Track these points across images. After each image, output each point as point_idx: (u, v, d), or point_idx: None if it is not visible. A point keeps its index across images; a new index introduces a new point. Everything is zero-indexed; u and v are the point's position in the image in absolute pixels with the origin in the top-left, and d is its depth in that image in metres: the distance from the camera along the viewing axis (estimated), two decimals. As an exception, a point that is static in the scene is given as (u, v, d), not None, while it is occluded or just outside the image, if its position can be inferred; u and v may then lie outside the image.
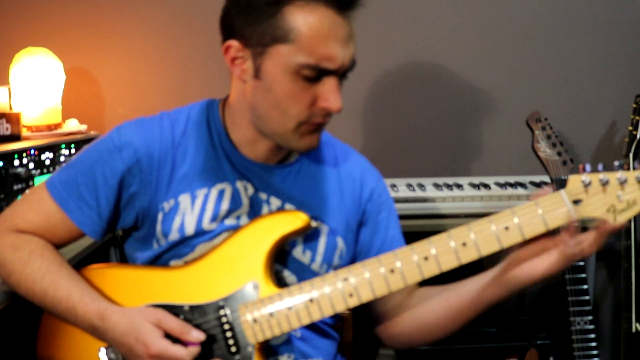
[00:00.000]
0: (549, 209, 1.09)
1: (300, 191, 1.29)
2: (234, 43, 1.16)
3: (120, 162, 1.22)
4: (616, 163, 1.10)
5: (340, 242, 1.30)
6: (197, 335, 1.13)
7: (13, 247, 1.22)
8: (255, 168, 1.27)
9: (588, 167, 1.10)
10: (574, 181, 1.10)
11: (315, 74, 1.12)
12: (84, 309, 1.16)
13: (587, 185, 1.09)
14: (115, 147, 1.22)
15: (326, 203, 1.30)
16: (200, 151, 1.25)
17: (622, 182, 1.08)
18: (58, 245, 1.28)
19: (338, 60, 1.11)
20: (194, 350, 1.12)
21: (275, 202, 1.27)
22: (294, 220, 1.20)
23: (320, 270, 1.28)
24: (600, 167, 1.10)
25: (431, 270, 1.13)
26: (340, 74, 1.14)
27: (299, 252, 1.27)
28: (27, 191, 1.40)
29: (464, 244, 1.11)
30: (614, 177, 1.08)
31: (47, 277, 1.19)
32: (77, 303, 1.17)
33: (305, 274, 1.26)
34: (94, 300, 1.18)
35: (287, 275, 1.26)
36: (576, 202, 1.10)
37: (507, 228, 1.11)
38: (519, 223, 1.10)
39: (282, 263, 1.26)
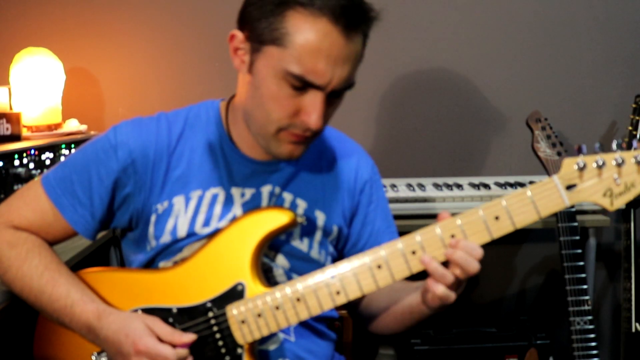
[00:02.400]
0: (541, 196, 1.05)
1: (299, 182, 1.29)
2: (237, 34, 1.16)
3: (116, 162, 1.22)
4: (615, 142, 1.05)
5: (335, 230, 1.31)
6: (186, 337, 1.13)
7: (10, 244, 1.22)
8: (258, 167, 1.26)
9: (584, 148, 1.06)
10: (568, 165, 1.05)
11: (300, 84, 1.10)
12: (82, 308, 1.17)
13: (581, 168, 1.04)
14: (112, 146, 1.22)
15: (323, 192, 1.31)
16: (196, 154, 1.25)
17: (619, 164, 1.03)
18: (53, 242, 1.28)
19: (325, 77, 1.09)
20: (182, 351, 1.12)
21: (277, 192, 1.27)
22: (280, 216, 1.18)
23: (319, 258, 1.29)
24: (597, 147, 1.05)
25: (419, 265, 1.10)
26: (328, 91, 1.12)
27: (297, 240, 1.27)
28: (23, 186, 1.40)
29: (452, 236, 1.08)
30: (611, 158, 1.03)
31: (46, 275, 1.19)
32: (76, 301, 1.17)
33: (304, 262, 1.27)
34: (93, 300, 1.19)
35: (283, 262, 1.26)
36: (571, 187, 1.06)
37: (497, 217, 1.07)
38: (510, 212, 1.06)
39: (280, 251, 1.26)
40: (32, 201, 1.25)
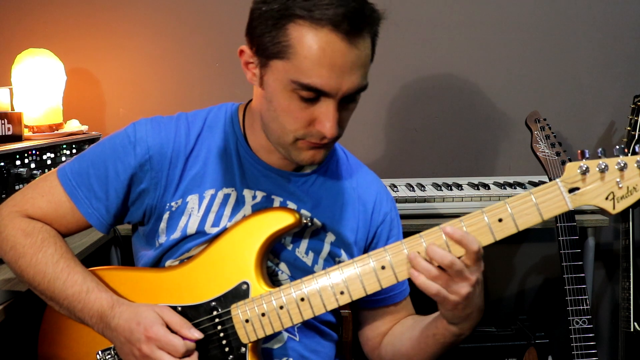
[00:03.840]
0: (543, 199, 1.06)
1: (314, 200, 1.29)
2: (246, 49, 1.17)
3: (133, 157, 1.23)
4: (617, 147, 1.06)
5: (343, 255, 1.31)
6: (194, 333, 1.14)
7: (25, 233, 1.23)
8: (271, 173, 1.27)
9: (587, 152, 1.06)
10: (571, 168, 1.06)
11: (310, 95, 1.10)
12: (97, 295, 1.18)
13: (584, 172, 1.05)
14: (130, 142, 1.24)
15: (338, 215, 1.31)
16: (213, 154, 1.26)
17: (622, 168, 1.04)
18: (66, 234, 1.29)
19: (332, 86, 1.09)
20: (190, 344, 1.13)
21: (291, 205, 1.28)
22: (286, 217, 1.19)
23: None
24: (600, 152, 1.06)
25: None
26: (339, 98, 1.11)
27: (302, 252, 1.28)
28: (39, 177, 1.40)
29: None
30: (613, 163, 1.04)
31: (62, 263, 1.20)
32: (92, 288, 1.18)
33: (307, 275, 1.25)
34: (107, 290, 1.20)
35: (286, 271, 1.27)
36: (573, 190, 1.06)
37: (500, 220, 1.07)
38: (513, 214, 1.07)
39: (284, 261, 1.27)
40: (47, 192, 1.26)
